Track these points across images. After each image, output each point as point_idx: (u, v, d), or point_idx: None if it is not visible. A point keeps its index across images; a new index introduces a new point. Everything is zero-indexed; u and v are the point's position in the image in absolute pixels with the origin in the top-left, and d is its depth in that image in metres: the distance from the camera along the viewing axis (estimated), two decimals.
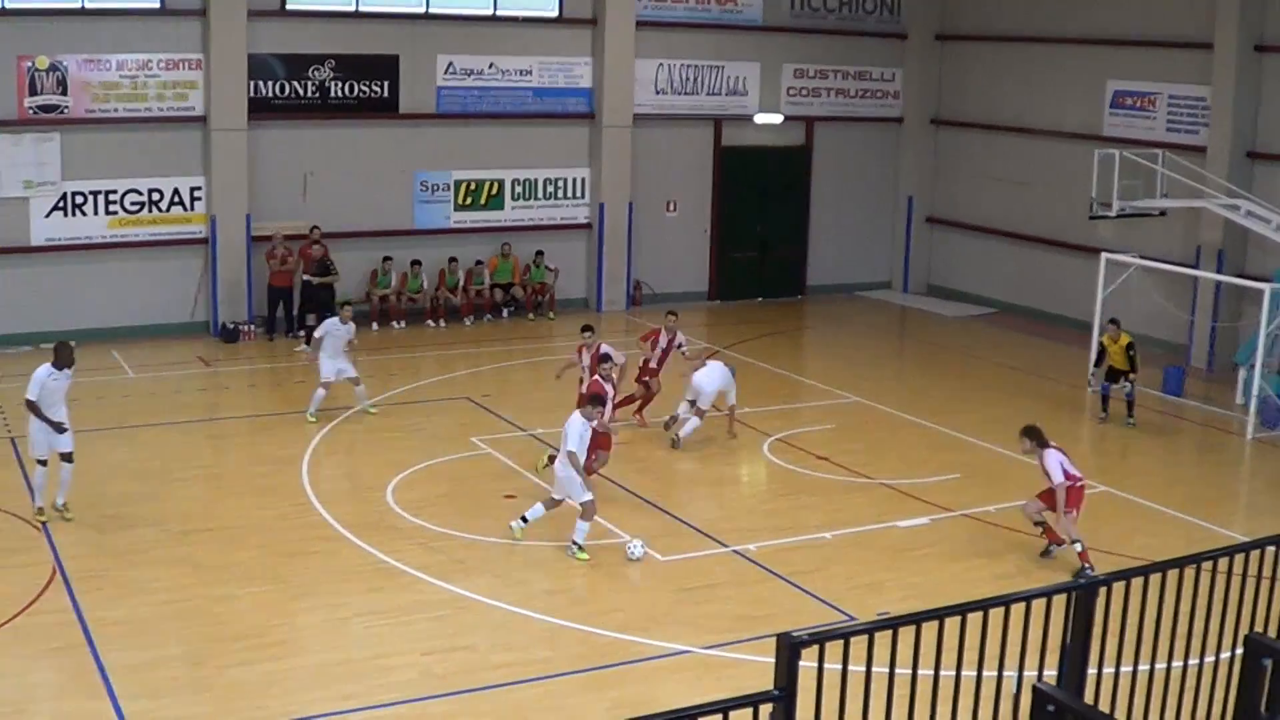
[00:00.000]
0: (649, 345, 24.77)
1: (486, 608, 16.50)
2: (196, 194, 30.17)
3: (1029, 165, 35.64)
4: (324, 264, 30.07)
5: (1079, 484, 18.66)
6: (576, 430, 18.20)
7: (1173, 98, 32.05)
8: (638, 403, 24.66)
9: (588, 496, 18.16)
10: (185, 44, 29.60)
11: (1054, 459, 18.60)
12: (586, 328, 23.19)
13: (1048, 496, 18.74)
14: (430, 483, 21.05)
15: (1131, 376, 25.73)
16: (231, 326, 30.06)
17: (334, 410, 24.46)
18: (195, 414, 25.12)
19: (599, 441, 19.66)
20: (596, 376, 20.71)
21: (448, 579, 17.20)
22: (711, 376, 23.51)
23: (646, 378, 24.65)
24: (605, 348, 22.24)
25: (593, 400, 18.95)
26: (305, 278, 30.23)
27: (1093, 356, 27.59)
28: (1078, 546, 18.27)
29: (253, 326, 30.26)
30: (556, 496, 18.63)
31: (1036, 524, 19.01)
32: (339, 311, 24.77)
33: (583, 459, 18.39)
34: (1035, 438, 18.97)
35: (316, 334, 24.46)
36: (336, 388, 24.40)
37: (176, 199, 30.08)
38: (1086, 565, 18.00)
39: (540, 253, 33.44)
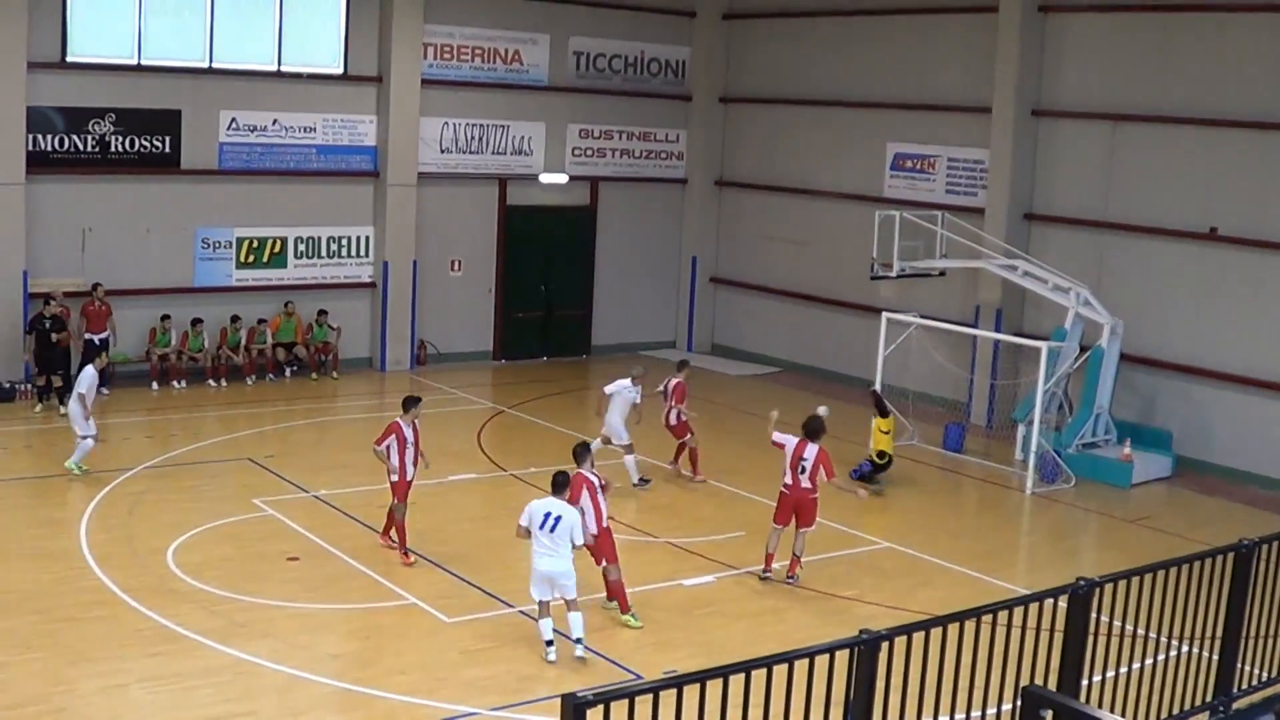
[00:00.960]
0: (674, 401, 25.81)
1: (270, 672, 16.26)
2: None
3: (811, 226, 36.28)
4: (59, 321, 29.29)
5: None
6: (576, 521, 17.08)
7: (952, 160, 32.89)
8: (683, 454, 26.21)
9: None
10: None
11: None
12: (412, 399, 21.11)
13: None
14: (212, 545, 20.70)
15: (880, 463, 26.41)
16: (7, 386, 29.27)
17: (111, 472, 23.99)
18: None
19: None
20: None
21: (230, 643, 16.92)
22: (616, 410, 25.09)
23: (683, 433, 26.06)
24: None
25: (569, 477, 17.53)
26: (86, 336, 29.57)
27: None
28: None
29: (29, 385, 29.46)
30: (550, 598, 17.20)
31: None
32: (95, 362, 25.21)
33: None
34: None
35: (84, 390, 24.06)
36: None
37: None
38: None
39: (323, 311, 33.15)
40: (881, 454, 25.96)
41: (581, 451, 18.56)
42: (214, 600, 18.38)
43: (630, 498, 24.40)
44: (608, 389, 25.24)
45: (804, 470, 20.11)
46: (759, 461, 26.72)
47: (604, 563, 18.32)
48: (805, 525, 20.31)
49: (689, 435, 25.89)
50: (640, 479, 25.21)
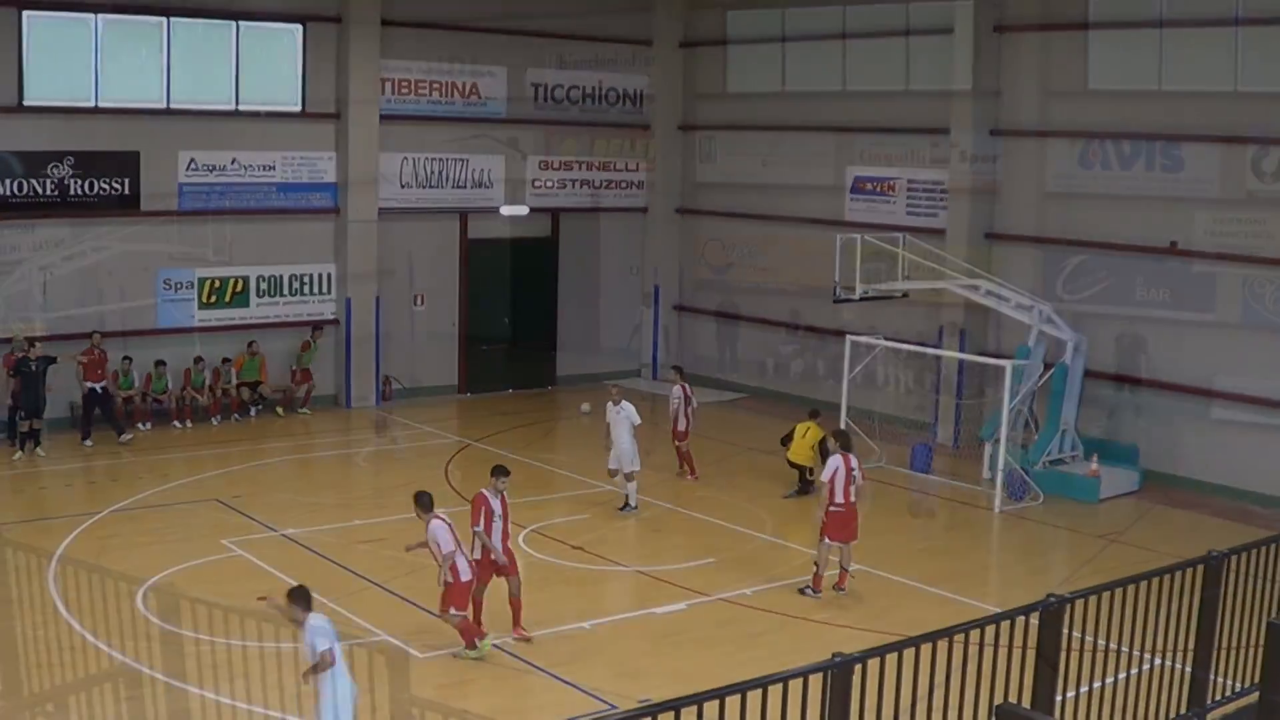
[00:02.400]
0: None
1: (244, 712, 16.15)
2: None
3: (773, 252, 36.33)
4: (46, 359, 28.90)
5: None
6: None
7: (912, 182, 32.97)
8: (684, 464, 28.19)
9: None
10: None
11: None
12: (501, 469, 19.33)
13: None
14: (182, 587, 20.53)
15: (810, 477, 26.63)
16: None
17: (78, 516, 23.87)
18: None
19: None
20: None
21: (203, 685, 16.80)
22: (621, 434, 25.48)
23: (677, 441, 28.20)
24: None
25: None
26: (89, 385, 29.40)
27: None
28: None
29: (5, 435, 29.21)
30: None
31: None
32: None
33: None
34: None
35: None
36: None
37: None
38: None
39: (307, 343, 33.22)
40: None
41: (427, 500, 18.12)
42: (185, 642, 18.25)
43: (604, 529, 24.40)
44: (611, 416, 25.54)
45: (856, 482, 20.89)
46: (725, 489, 26.81)
47: (451, 610, 18.01)
48: (854, 538, 21.06)
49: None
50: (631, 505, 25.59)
